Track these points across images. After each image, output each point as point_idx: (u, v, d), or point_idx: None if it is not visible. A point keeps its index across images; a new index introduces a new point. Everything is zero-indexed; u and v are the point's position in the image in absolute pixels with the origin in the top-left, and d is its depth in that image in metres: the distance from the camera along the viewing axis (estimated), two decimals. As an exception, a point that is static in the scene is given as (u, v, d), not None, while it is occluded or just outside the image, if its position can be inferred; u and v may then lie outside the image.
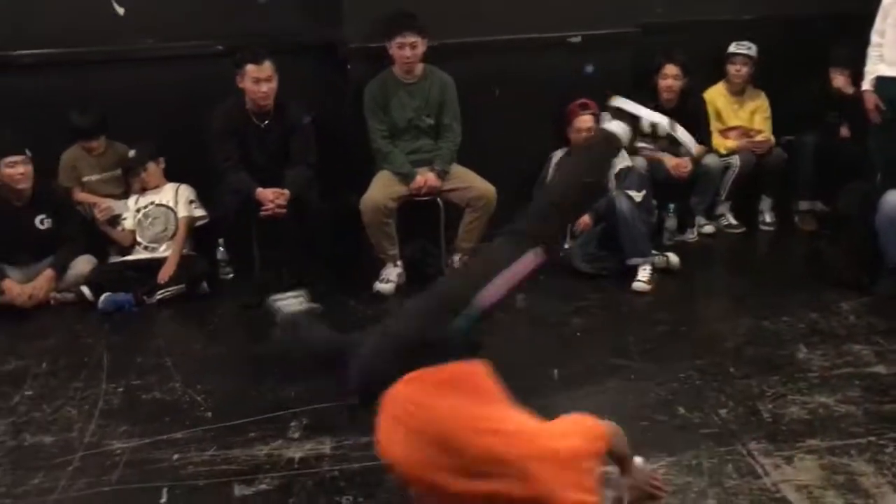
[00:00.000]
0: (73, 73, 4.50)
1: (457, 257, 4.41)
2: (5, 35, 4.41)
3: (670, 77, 4.71)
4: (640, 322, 3.86)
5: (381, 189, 4.30)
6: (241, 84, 4.19)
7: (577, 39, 4.65)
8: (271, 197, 4.16)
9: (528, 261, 2.21)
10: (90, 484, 2.72)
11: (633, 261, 4.28)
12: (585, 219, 4.50)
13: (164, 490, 2.67)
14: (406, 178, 4.32)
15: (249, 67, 4.14)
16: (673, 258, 4.45)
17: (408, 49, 4.25)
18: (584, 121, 4.51)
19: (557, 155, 4.67)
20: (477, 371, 2.08)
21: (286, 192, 4.19)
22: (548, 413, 2.93)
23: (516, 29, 4.61)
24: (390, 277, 4.35)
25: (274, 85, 4.21)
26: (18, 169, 4.19)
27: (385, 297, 4.28)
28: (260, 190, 4.17)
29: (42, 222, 4.32)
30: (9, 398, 3.31)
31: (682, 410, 3.01)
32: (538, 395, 3.10)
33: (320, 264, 4.43)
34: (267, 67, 4.16)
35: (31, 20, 4.42)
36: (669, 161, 4.68)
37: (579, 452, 1.87)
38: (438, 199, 4.42)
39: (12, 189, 4.23)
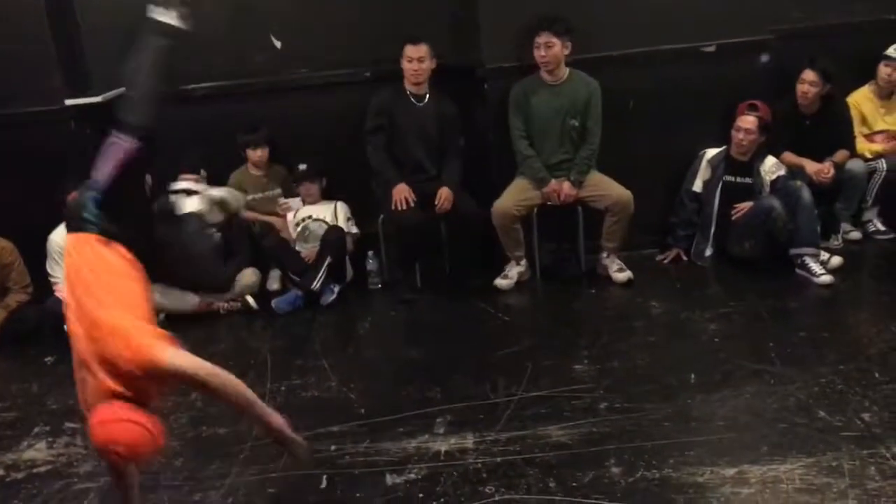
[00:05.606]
0: (240, 102, 4.96)
1: (604, 255, 4.62)
2: (184, 72, 4.92)
3: (807, 83, 4.64)
4: (781, 328, 3.83)
5: (513, 196, 4.56)
6: (402, 65, 4.60)
7: (712, 49, 4.68)
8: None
9: (121, 147, 2.59)
10: (260, 471, 3.01)
11: (803, 250, 4.33)
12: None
13: (324, 477, 2.93)
14: (540, 183, 4.52)
15: (407, 47, 4.55)
16: (836, 258, 4.44)
17: (543, 49, 4.44)
18: (746, 121, 4.55)
19: (710, 153, 4.74)
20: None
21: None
22: (684, 417, 3.04)
23: (651, 41, 4.69)
24: (510, 274, 4.66)
25: (426, 66, 4.57)
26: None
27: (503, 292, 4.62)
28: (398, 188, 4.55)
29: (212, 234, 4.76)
30: (187, 395, 3.66)
31: (822, 414, 3.00)
32: (674, 399, 3.21)
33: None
34: (421, 49, 4.54)
35: (204, 58, 4.91)
36: (811, 167, 4.62)
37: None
38: (579, 207, 4.62)
39: None
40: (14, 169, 4.83)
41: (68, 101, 4.73)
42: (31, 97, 4.74)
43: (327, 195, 4.97)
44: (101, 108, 4.74)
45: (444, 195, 4.58)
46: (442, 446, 3.04)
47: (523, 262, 4.70)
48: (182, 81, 4.87)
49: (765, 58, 4.71)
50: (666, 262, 4.84)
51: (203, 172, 4.71)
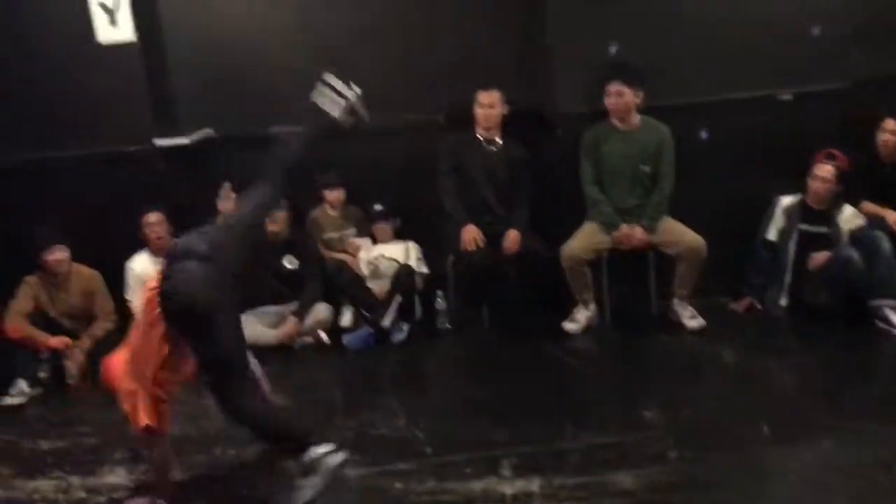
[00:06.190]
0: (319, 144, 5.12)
1: (675, 301, 4.59)
2: (265, 115, 5.12)
3: (888, 132, 4.53)
4: (858, 381, 3.73)
5: (582, 240, 4.58)
6: (474, 110, 4.73)
7: (789, 97, 4.65)
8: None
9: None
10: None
11: (882, 302, 4.22)
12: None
13: (389, 515, 2.96)
14: (611, 227, 4.52)
15: (479, 94, 4.68)
16: None
17: (613, 97, 4.50)
18: (823, 170, 4.51)
19: (785, 201, 4.68)
20: None
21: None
22: (755, 469, 2.97)
23: (725, 89, 4.70)
24: (578, 318, 4.64)
25: (498, 111, 4.68)
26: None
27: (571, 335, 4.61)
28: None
29: (290, 262, 4.90)
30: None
31: (903, 472, 2.90)
32: (745, 450, 3.14)
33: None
34: (493, 95, 4.66)
35: (285, 102, 5.11)
36: (891, 217, 4.50)
37: None
38: (650, 252, 4.63)
39: (270, 232, 4.80)
40: (103, 203, 5.08)
41: (157, 142, 4.97)
42: (123, 136, 5.00)
43: (399, 235, 5.08)
44: (187, 149, 4.98)
45: (511, 237, 4.62)
46: (507, 489, 3.03)
47: (592, 305, 4.70)
48: (265, 125, 5.08)
49: (704, 135, 4.73)
50: (739, 310, 4.77)
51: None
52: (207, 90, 5.10)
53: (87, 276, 4.87)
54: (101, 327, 4.84)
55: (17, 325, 4.63)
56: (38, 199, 5.07)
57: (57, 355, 4.66)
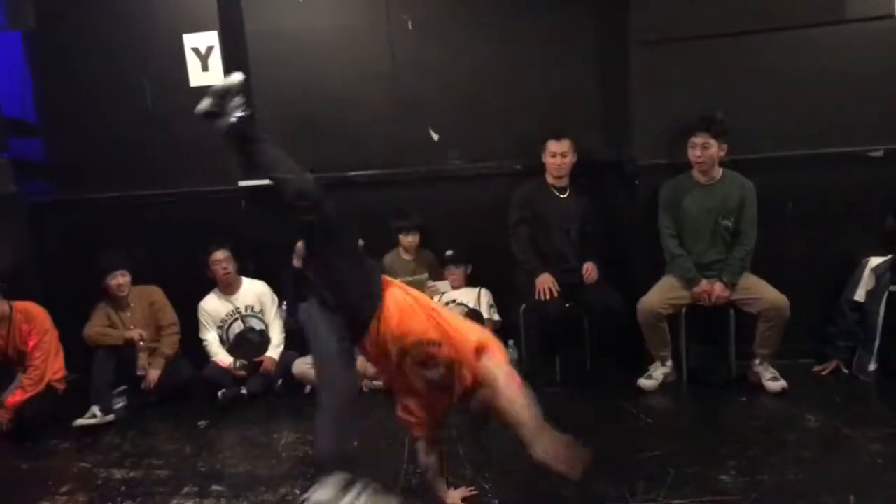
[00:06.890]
0: (396, 190, 5.20)
1: (756, 361, 4.43)
2: (345, 160, 5.23)
3: None
4: (954, 455, 3.50)
5: (661, 294, 4.49)
6: (543, 159, 4.74)
7: (879, 153, 4.50)
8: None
9: None
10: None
11: None
12: None
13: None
14: (690, 283, 4.41)
15: (550, 142, 4.69)
16: None
17: (698, 149, 4.43)
18: None
19: (874, 261, 4.53)
20: None
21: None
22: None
23: (811, 143, 4.59)
24: (654, 375, 4.54)
25: (569, 160, 4.71)
26: None
27: (646, 392, 4.50)
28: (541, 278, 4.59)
29: None
30: (326, 469, 3.79)
31: None
32: (831, 521, 2.97)
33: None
34: (564, 144, 4.68)
35: (365, 148, 5.23)
36: None
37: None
38: (731, 309, 4.48)
39: None
40: (186, 240, 5.24)
41: (241, 182, 5.12)
42: (209, 177, 5.17)
43: (472, 281, 5.06)
44: (269, 190, 5.11)
45: (589, 268, 4.64)
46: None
47: (669, 362, 4.58)
48: (344, 169, 5.18)
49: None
50: (824, 373, 4.57)
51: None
52: (290, 134, 5.25)
53: (147, 291, 5.10)
54: (168, 344, 5.02)
55: (93, 329, 4.88)
56: (121, 234, 5.28)
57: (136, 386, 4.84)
